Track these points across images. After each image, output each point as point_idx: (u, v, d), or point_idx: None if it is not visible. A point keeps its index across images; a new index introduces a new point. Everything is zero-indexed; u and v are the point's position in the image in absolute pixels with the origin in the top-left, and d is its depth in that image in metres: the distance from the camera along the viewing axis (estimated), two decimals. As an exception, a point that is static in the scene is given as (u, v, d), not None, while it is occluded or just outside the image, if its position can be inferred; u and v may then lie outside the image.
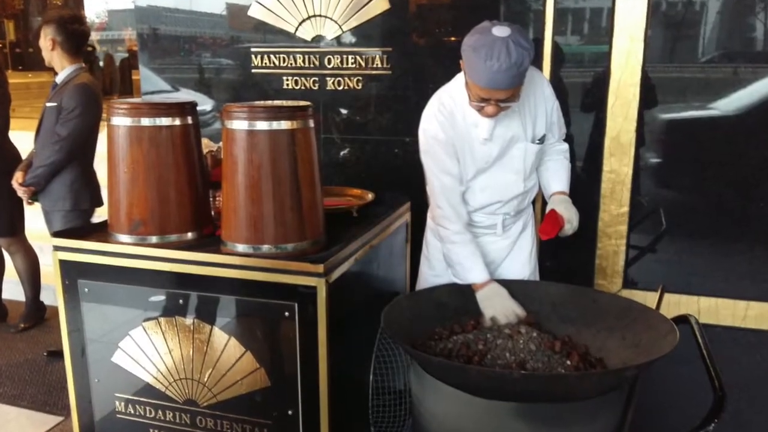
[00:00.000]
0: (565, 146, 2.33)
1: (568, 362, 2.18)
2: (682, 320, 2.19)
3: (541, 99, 2.23)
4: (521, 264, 2.37)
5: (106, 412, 2.34)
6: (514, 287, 2.25)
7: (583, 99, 2.33)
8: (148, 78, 2.40)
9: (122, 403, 2.32)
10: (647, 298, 2.19)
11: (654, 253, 2.29)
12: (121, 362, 2.30)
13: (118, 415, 2.33)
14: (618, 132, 2.26)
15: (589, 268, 2.35)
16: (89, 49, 2.59)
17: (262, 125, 2.13)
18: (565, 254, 2.38)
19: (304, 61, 2.28)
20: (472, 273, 2.21)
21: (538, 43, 2.27)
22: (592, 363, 2.21)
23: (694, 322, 2.19)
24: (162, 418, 2.30)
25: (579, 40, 2.30)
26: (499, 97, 2.09)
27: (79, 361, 2.34)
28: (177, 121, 2.25)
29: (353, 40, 2.30)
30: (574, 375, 2.17)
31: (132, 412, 2.31)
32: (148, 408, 2.30)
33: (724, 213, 2.23)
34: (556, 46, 2.29)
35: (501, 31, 2.05)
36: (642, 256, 2.31)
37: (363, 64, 2.29)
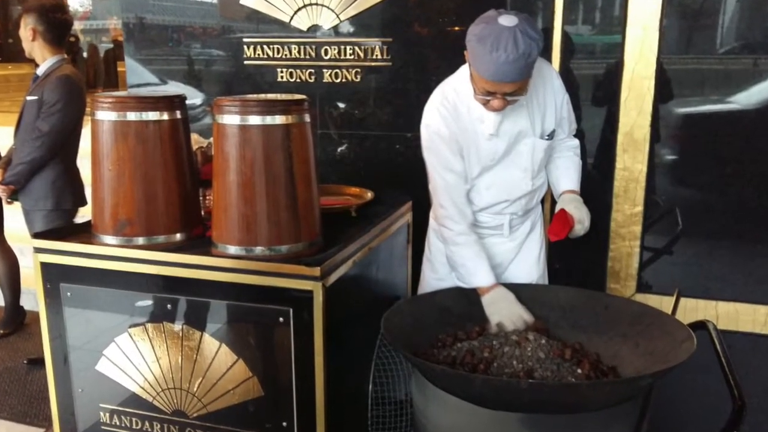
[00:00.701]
0: (576, 142, 2.33)
1: (579, 371, 2.19)
2: (700, 326, 2.20)
3: (550, 92, 2.23)
4: (529, 267, 2.38)
5: (90, 423, 2.35)
6: (521, 291, 2.26)
7: (595, 92, 2.33)
8: (134, 70, 2.40)
9: (107, 414, 2.33)
10: (663, 303, 2.19)
11: (670, 256, 2.29)
12: (105, 371, 2.31)
13: (103, 427, 2.34)
14: (631, 127, 2.27)
15: (601, 271, 2.35)
16: (72, 39, 2.59)
17: (255, 120, 2.13)
18: (575, 256, 2.38)
19: (299, 53, 2.29)
20: (477, 276, 2.22)
21: (547, 32, 2.28)
22: (604, 371, 2.22)
23: (712, 328, 2.20)
24: (149, 429, 2.31)
25: (590, 29, 2.30)
26: (506, 90, 2.10)
27: (62, 369, 2.34)
28: (165, 116, 2.25)
29: (351, 29, 2.31)
30: (586, 384, 2.17)
31: (117, 423, 2.32)
32: (134, 419, 2.31)
33: (744, 213, 2.23)
34: (566, 36, 2.30)
35: (508, 20, 2.06)
36: (657, 258, 2.31)
37: (362, 55, 2.30)
